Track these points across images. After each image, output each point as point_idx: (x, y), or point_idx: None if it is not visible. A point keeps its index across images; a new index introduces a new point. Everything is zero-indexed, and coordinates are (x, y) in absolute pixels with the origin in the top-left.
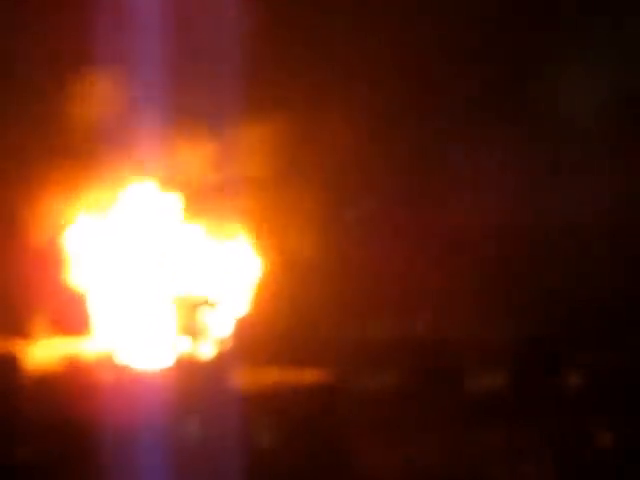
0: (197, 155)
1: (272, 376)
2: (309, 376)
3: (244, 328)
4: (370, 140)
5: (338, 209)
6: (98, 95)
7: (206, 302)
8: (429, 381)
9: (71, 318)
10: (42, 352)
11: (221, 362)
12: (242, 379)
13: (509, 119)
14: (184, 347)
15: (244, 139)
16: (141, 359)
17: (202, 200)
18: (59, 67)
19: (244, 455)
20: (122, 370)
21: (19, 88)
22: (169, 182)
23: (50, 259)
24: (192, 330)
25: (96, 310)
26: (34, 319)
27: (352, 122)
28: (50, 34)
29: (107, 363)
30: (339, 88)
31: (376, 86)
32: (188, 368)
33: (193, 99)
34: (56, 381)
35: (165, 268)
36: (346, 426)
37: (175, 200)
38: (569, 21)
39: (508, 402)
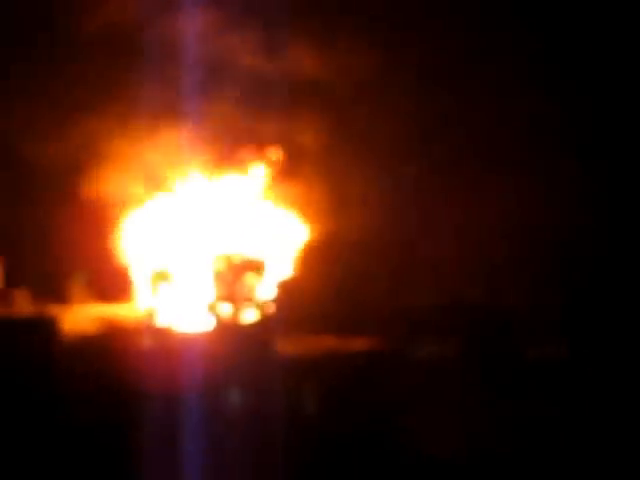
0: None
1: (322, 343)
2: (359, 343)
3: (291, 295)
4: (419, 112)
5: (389, 176)
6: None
7: (251, 267)
8: (484, 349)
9: (113, 283)
10: (83, 316)
11: (263, 327)
12: (290, 345)
13: None
14: (226, 311)
15: (295, 108)
16: (183, 323)
17: (250, 166)
18: None
19: (287, 421)
20: (163, 334)
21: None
22: (218, 146)
23: (93, 224)
24: (235, 294)
25: (138, 274)
26: (76, 284)
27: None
28: None
29: (148, 327)
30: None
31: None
32: (230, 332)
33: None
34: (96, 344)
35: (209, 232)
36: (396, 394)
37: (221, 165)
38: None
39: (567, 371)
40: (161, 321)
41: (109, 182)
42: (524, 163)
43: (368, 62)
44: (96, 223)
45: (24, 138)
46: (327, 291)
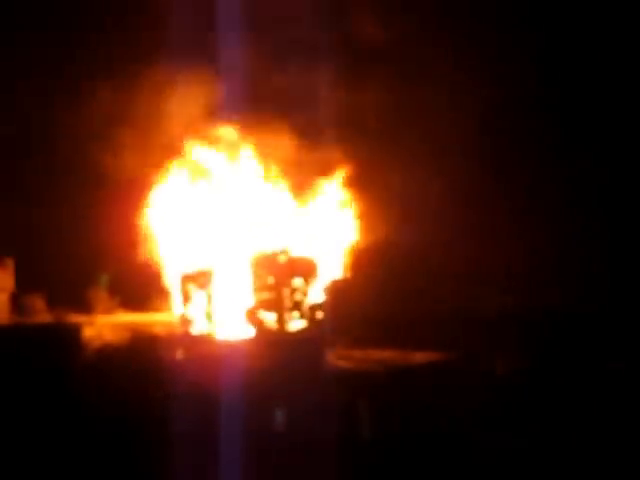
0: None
1: (378, 356)
2: (420, 357)
3: (343, 301)
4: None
5: (450, 177)
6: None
7: (301, 267)
8: (558, 359)
9: (141, 286)
10: (108, 324)
11: (312, 336)
12: (341, 358)
13: None
14: (270, 318)
15: (346, 105)
16: (222, 331)
17: (301, 166)
18: None
19: (339, 443)
20: (199, 343)
21: None
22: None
23: (117, 220)
24: (281, 298)
25: (169, 276)
26: (99, 288)
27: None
28: None
29: (182, 335)
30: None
31: None
32: (274, 342)
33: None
34: (123, 356)
35: (249, 227)
36: (461, 413)
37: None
38: None
39: None
40: (197, 329)
41: (135, 167)
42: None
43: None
44: (120, 219)
45: (40, 129)
46: (383, 298)
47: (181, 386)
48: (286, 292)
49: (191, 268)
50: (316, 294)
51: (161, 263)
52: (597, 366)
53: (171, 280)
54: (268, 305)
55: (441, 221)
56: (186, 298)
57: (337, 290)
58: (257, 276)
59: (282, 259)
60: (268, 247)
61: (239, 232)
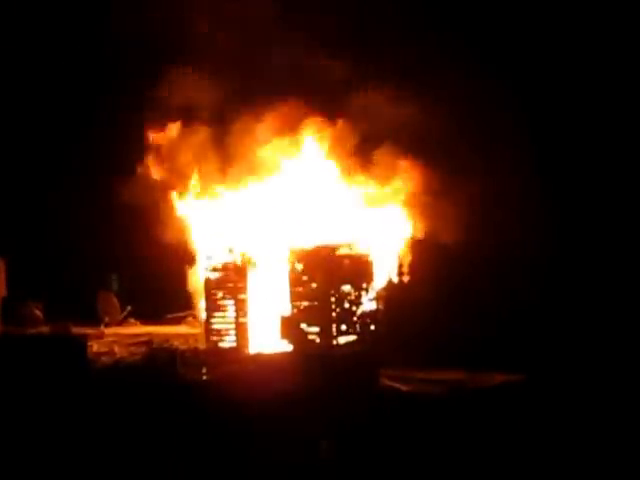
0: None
1: (444, 377)
2: (494, 379)
3: (402, 311)
4: None
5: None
6: None
7: (352, 266)
8: None
9: (160, 291)
10: (118, 335)
11: (363, 352)
12: (398, 380)
13: None
14: (312, 331)
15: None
16: (258, 345)
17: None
18: None
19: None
20: (233, 358)
21: None
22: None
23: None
24: (328, 303)
25: (195, 279)
26: (108, 295)
27: None
28: None
29: (209, 349)
30: None
31: None
32: (317, 357)
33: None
34: (138, 372)
35: (293, 229)
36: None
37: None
38: None
39: None
40: (225, 343)
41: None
42: None
43: None
44: (135, 214)
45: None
46: (447, 307)
47: (207, 412)
48: (332, 299)
49: (219, 271)
50: (369, 301)
51: (184, 265)
52: None
53: (196, 285)
54: (310, 315)
55: (515, 221)
56: (213, 306)
57: (393, 297)
58: (297, 279)
59: (328, 258)
60: (311, 243)
61: (277, 226)
